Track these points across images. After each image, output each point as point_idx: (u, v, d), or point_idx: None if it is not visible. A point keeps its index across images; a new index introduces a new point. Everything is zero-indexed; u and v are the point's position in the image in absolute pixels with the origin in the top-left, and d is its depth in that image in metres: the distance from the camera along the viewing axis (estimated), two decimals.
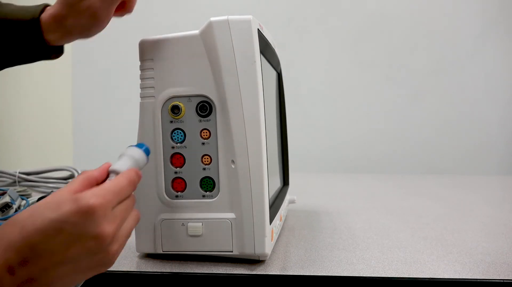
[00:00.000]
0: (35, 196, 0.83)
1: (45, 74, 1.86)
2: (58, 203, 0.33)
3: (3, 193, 0.69)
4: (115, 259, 0.37)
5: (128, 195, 0.39)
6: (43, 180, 0.92)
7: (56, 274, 0.33)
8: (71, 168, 0.94)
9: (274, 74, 0.70)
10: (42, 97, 1.91)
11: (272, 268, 0.50)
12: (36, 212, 0.33)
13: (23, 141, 1.93)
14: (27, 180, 0.91)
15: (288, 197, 0.77)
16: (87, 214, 0.33)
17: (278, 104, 0.74)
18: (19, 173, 0.91)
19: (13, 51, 0.62)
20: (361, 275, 0.48)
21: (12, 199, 0.67)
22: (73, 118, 1.89)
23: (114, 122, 1.83)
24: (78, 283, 0.37)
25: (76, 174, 0.93)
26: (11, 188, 0.78)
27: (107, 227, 0.35)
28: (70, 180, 0.86)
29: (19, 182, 0.92)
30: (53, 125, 1.92)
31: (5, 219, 0.62)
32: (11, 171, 0.92)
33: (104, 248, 0.35)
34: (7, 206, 0.65)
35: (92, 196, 0.34)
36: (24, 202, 0.69)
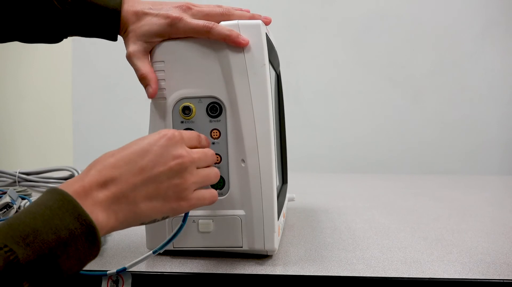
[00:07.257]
0: (35, 196, 0.83)
1: (45, 74, 1.86)
2: (145, 136, 0.42)
3: (3, 193, 0.69)
4: (190, 196, 0.43)
5: (204, 145, 0.47)
6: (43, 180, 0.91)
7: (142, 193, 0.39)
8: (71, 168, 0.94)
9: (273, 74, 0.70)
10: (42, 97, 1.91)
11: (272, 268, 0.50)
12: (128, 144, 0.41)
13: (23, 141, 1.93)
14: (27, 180, 0.91)
15: (287, 195, 0.77)
16: (169, 139, 0.42)
17: (277, 104, 0.74)
18: (19, 173, 0.91)
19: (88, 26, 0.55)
20: (361, 275, 0.49)
21: (12, 199, 0.67)
22: (73, 118, 1.89)
23: (114, 122, 1.83)
24: (157, 216, 0.41)
25: (76, 174, 0.92)
26: (11, 188, 0.78)
27: (185, 152, 0.42)
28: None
29: (19, 182, 0.91)
30: (53, 125, 1.92)
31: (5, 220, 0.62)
32: (11, 171, 0.92)
33: (181, 171, 0.41)
34: (8, 206, 0.65)
35: (174, 131, 0.43)
36: (24, 202, 0.69)
